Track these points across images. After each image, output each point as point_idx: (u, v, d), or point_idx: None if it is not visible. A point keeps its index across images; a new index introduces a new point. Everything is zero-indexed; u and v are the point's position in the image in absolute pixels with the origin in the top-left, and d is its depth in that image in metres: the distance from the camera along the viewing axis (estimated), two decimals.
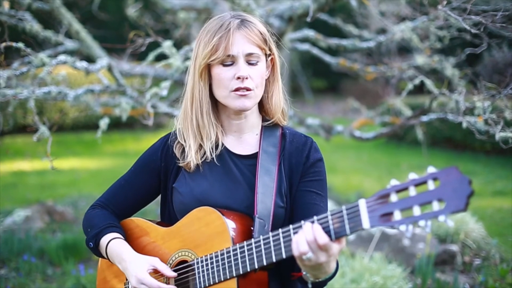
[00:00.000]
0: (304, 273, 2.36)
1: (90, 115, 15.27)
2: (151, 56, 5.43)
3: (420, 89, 6.91)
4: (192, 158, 2.63)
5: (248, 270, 2.39)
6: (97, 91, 5.35)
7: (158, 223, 2.78)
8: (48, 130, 4.86)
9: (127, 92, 5.34)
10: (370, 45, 7.03)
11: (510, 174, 12.25)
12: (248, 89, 2.55)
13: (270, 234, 2.33)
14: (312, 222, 2.20)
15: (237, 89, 2.55)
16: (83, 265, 7.03)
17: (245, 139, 2.72)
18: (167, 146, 2.75)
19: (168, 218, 2.78)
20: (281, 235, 2.30)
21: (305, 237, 2.18)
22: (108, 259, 2.71)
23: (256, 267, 2.36)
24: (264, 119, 2.76)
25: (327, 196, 2.72)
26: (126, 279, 2.75)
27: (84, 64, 4.93)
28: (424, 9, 6.72)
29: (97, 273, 2.93)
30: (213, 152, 2.65)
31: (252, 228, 2.53)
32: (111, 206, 2.84)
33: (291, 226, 2.27)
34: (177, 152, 2.70)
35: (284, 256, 2.29)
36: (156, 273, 2.58)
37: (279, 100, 2.73)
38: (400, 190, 2.04)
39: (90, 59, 6.22)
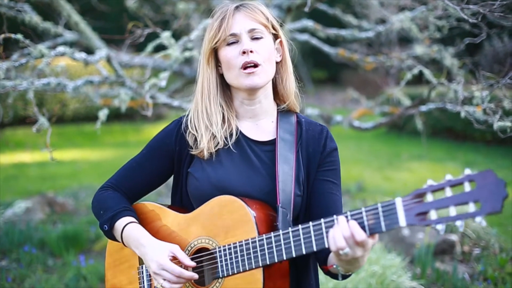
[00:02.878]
0: (334, 266, 2.38)
1: (91, 107, 15.30)
2: (150, 47, 5.42)
3: (419, 79, 6.90)
4: (204, 147, 2.63)
5: (276, 261, 2.39)
6: (96, 82, 5.35)
7: (171, 208, 2.76)
8: (47, 121, 4.87)
9: (126, 83, 5.34)
10: (369, 35, 7.03)
11: (510, 164, 12.25)
12: (255, 65, 2.57)
13: (300, 226, 2.34)
14: (347, 217, 2.23)
15: (244, 66, 2.56)
16: (83, 256, 7.06)
17: (261, 125, 2.73)
18: (182, 131, 2.74)
19: (180, 202, 2.78)
20: (311, 228, 2.31)
21: (342, 233, 2.20)
22: (123, 243, 2.69)
23: (285, 258, 2.37)
24: (278, 106, 2.78)
25: (341, 185, 2.74)
26: (140, 264, 2.74)
27: (83, 55, 4.93)
28: None
29: (106, 256, 2.91)
30: (228, 139, 2.66)
31: (274, 217, 2.54)
32: (123, 188, 2.81)
33: (322, 220, 2.29)
34: (189, 140, 2.70)
35: (315, 249, 2.31)
36: (174, 260, 2.55)
37: (292, 83, 2.77)
38: (436, 190, 2.11)
39: (90, 51, 6.22)
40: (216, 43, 2.61)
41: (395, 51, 8.49)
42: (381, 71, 14.92)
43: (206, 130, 2.65)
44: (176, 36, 6.01)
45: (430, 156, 12.35)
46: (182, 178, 2.76)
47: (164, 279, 2.52)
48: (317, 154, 2.67)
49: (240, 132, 2.70)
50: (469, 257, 6.90)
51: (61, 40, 6.97)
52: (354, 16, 8.26)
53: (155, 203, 2.82)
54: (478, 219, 2.01)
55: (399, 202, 2.14)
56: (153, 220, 2.77)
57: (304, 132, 2.71)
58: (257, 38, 2.60)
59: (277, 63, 2.73)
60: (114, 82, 5.51)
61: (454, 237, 6.93)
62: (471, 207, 2.02)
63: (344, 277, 2.45)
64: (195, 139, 2.69)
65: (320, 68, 27.85)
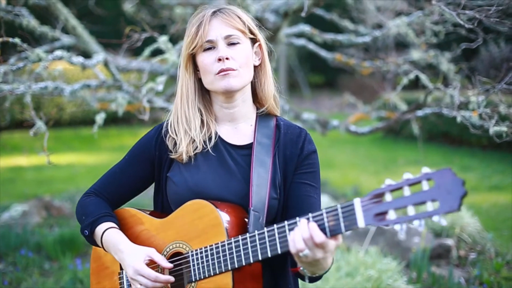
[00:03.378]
0: (301, 268, 2.39)
1: (87, 111, 15.23)
2: (147, 51, 5.44)
3: (416, 84, 6.93)
4: (183, 150, 2.65)
5: (244, 264, 2.40)
6: (93, 86, 5.37)
7: (151, 213, 2.79)
8: (44, 125, 4.88)
9: (123, 87, 5.36)
10: (366, 40, 7.05)
11: (506, 169, 12.29)
12: (231, 69, 2.58)
13: (265, 229, 2.35)
14: (308, 219, 2.23)
15: (220, 72, 2.58)
16: (80, 259, 7.06)
17: (240, 129, 2.74)
18: (161, 137, 2.76)
19: (161, 207, 2.80)
20: (276, 230, 2.32)
21: (302, 235, 2.20)
22: (103, 248, 2.72)
23: (252, 261, 2.38)
24: (257, 109, 2.78)
25: (320, 187, 2.74)
26: (120, 269, 2.77)
27: (80, 59, 4.95)
28: (420, 4, 6.74)
29: (91, 262, 2.94)
30: (207, 143, 2.67)
31: (246, 220, 2.55)
32: (105, 194, 2.84)
33: (286, 222, 2.30)
34: (169, 144, 2.71)
35: (279, 251, 2.31)
36: (151, 263, 2.59)
37: (270, 86, 2.76)
38: (395, 189, 2.08)
39: (87, 55, 6.23)
40: (193, 49, 2.63)
41: (391, 56, 8.52)
42: (377, 76, 14.97)
43: (185, 134, 2.67)
44: (173, 40, 6.03)
45: (426, 161, 12.37)
46: (162, 183, 2.77)
47: (141, 284, 2.55)
48: (294, 157, 2.67)
49: (219, 136, 2.72)
50: (465, 261, 6.92)
51: (58, 44, 6.98)
52: (351, 21, 8.29)
53: (136, 209, 2.84)
54: (436, 218, 1.98)
55: (357, 203, 2.13)
56: (133, 226, 2.79)
57: (282, 135, 2.71)
58: (233, 44, 2.61)
59: (256, 66, 2.74)
60: (111, 86, 5.52)
61: (450, 242, 6.95)
62: (429, 206, 1.99)
63: (312, 279, 2.46)
64: (175, 143, 2.70)
65: (316, 72, 27.90)
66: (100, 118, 5.22)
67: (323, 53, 7.54)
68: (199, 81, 2.71)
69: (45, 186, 11.55)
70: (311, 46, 7.42)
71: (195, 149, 2.67)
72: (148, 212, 2.81)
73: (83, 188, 11.07)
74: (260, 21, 6.38)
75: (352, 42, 7.07)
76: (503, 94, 5.28)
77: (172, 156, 2.70)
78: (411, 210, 2.03)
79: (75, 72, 14.67)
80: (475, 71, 6.38)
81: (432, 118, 7.19)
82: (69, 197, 10.29)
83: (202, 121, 2.70)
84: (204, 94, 2.73)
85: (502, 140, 4.82)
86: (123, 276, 2.77)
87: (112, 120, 15.80)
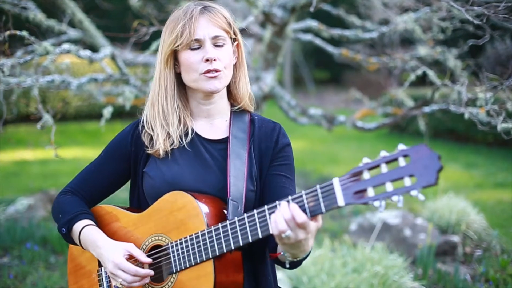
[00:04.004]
0: (282, 253, 2.40)
1: (93, 105, 15.26)
2: (155, 45, 5.44)
3: (422, 80, 6.91)
4: (160, 146, 2.66)
5: (225, 251, 2.42)
6: (100, 80, 5.36)
7: (127, 209, 2.80)
8: (51, 118, 4.88)
9: (130, 81, 5.35)
10: (373, 36, 7.04)
11: (511, 166, 12.27)
12: (217, 71, 2.60)
13: (245, 215, 2.36)
14: (288, 201, 2.24)
15: (207, 72, 2.59)
16: None
17: (215, 124, 2.76)
18: (137, 132, 2.77)
19: (137, 203, 2.81)
20: (256, 215, 2.34)
21: (283, 216, 2.22)
22: (81, 245, 2.72)
23: (233, 248, 2.40)
24: (232, 106, 2.82)
25: (295, 180, 2.77)
26: (99, 266, 2.78)
27: (87, 52, 4.95)
28: (427, 0, 6.71)
29: (68, 261, 2.95)
30: (183, 139, 2.69)
31: (225, 211, 2.57)
32: (81, 192, 2.85)
33: (266, 207, 2.31)
34: (145, 140, 2.72)
35: (260, 236, 2.33)
36: (131, 259, 2.60)
37: (246, 85, 2.79)
38: (372, 167, 2.11)
39: (93, 49, 6.22)
40: (177, 46, 2.62)
41: (397, 52, 8.49)
42: (383, 72, 14.91)
43: (162, 129, 2.68)
44: None
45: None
46: (138, 179, 2.78)
47: (121, 279, 2.57)
48: (269, 150, 2.71)
49: (195, 131, 2.73)
50: (470, 258, 6.91)
51: (65, 38, 6.98)
52: (358, 17, 8.27)
53: (112, 206, 2.85)
54: (414, 192, 1.99)
55: (336, 182, 2.14)
56: (110, 222, 2.80)
57: (257, 129, 2.75)
58: (219, 46, 2.62)
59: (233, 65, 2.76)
60: (118, 80, 5.52)
61: (455, 238, 6.94)
62: (406, 182, 2.01)
63: (292, 265, 2.47)
64: (151, 139, 2.71)
65: (322, 68, 27.89)
66: (107, 112, 5.23)
67: (330, 48, 7.52)
68: (177, 76, 2.71)
69: (50, 180, 11.56)
70: (318, 41, 7.41)
71: (171, 145, 2.68)
72: (125, 208, 2.81)
73: None
74: (268, 16, 6.40)
75: (359, 38, 7.05)
76: (510, 91, 5.27)
77: (148, 152, 2.71)
78: (389, 186, 2.05)
79: (81, 66, 14.67)
80: (481, 68, 6.35)
81: (438, 114, 7.18)
82: None
83: (178, 116, 2.70)
84: (181, 89, 2.73)
85: (510, 137, 4.81)
86: (102, 273, 2.78)
87: (118, 114, 15.77)
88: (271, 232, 2.28)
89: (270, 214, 2.30)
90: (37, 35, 5.44)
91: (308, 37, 7.40)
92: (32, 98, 4.78)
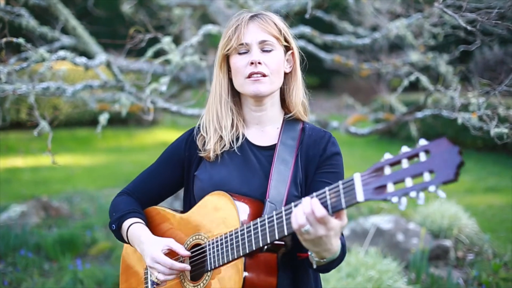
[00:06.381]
0: (309, 253, 2.41)
1: (83, 112, 15.27)
2: (150, 52, 5.46)
3: (412, 86, 6.96)
4: (211, 148, 2.73)
5: (254, 248, 2.43)
6: (95, 86, 5.37)
7: (175, 210, 2.89)
8: (48, 125, 4.89)
9: (125, 88, 5.37)
10: (366, 42, 7.08)
11: (501, 170, 12.35)
12: (262, 74, 2.64)
13: (274, 212, 2.38)
14: (312, 197, 2.24)
15: (251, 75, 2.64)
16: (80, 260, 7.07)
17: (266, 132, 2.80)
18: (192, 137, 2.86)
19: (189, 207, 2.85)
20: (283, 212, 2.34)
21: (303, 210, 2.22)
22: (128, 242, 2.82)
23: (261, 245, 2.41)
24: (285, 114, 2.84)
25: None
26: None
27: (83, 59, 4.95)
28: (419, 6, 6.76)
29: (121, 261, 3.05)
30: (233, 143, 2.75)
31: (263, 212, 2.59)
32: (137, 194, 2.95)
33: (292, 204, 2.31)
34: (199, 143, 2.81)
35: (286, 232, 2.33)
36: (171, 255, 2.66)
37: (299, 94, 2.82)
38: (394, 163, 2.05)
39: (86, 55, 6.22)
40: (228, 50, 2.70)
41: (387, 58, 8.55)
42: (372, 78, 14.99)
43: (215, 132, 2.76)
44: (173, 41, 6.03)
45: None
46: (190, 182, 2.86)
47: (158, 272, 2.63)
48: (316, 157, 2.72)
49: (246, 137, 2.79)
50: (463, 262, 6.95)
51: (57, 45, 6.97)
52: (350, 23, 8.31)
53: (163, 207, 2.95)
54: (432, 188, 1.92)
55: (357, 178, 2.11)
56: (160, 222, 2.89)
57: (306, 137, 2.77)
58: (267, 51, 2.67)
59: (286, 73, 2.79)
60: (113, 87, 5.52)
61: (448, 243, 6.98)
62: (426, 177, 1.94)
63: (321, 267, 2.44)
64: (204, 142, 2.79)
65: (311, 74, 27.92)
66: (104, 118, 5.24)
67: (323, 54, 7.55)
68: (231, 82, 2.77)
69: (42, 186, 11.54)
70: (311, 48, 7.43)
71: (222, 148, 2.75)
72: (173, 210, 2.90)
73: (80, 188, 11.08)
74: None
75: (352, 44, 7.08)
76: (502, 97, 5.31)
77: (200, 155, 2.79)
78: (409, 182, 1.99)
79: (72, 73, 14.66)
80: (473, 73, 6.40)
81: (429, 119, 7.23)
82: (66, 198, 10.29)
83: (232, 120, 2.77)
84: (235, 95, 2.80)
85: (503, 141, 4.85)
86: (147, 271, 2.85)
87: (109, 121, 15.76)
88: (292, 226, 2.28)
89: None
90: (34, 42, 5.45)
91: (301, 43, 7.42)
92: (23, 104, 4.77)
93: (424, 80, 6.12)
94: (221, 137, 2.75)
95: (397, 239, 6.97)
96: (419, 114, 6.34)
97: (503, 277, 6.44)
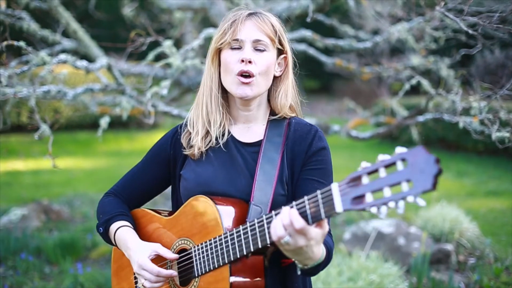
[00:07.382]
0: (293, 259, 2.36)
1: (84, 115, 15.27)
2: (151, 55, 5.45)
3: (413, 89, 6.95)
4: (197, 143, 2.69)
5: (238, 256, 2.41)
6: (96, 90, 5.36)
7: (160, 212, 2.85)
8: (49, 128, 4.89)
9: (126, 91, 5.36)
10: (367, 46, 7.07)
11: (502, 174, 12.34)
12: (250, 75, 2.59)
13: (256, 220, 2.34)
14: (291, 207, 2.19)
15: (240, 73, 2.59)
16: (80, 263, 7.05)
17: (252, 129, 2.76)
18: (177, 135, 2.82)
19: (176, 206, 2.83)
20: (265, 221, 2.31)
21: (282, 221, 2.17)
22: (116, 245, 2.79)
23: (245, 253, 2.38)
24: (272, 113, 2.79)
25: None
26: None
27: (84, 63, 4.95)
28: (420, 10, 6.76)
29: (112, 262, 3.00)
30: (220, 138, 2.70)
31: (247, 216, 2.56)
32: (124, 195, 2.91)
33: (273, 212, 2.27)
34: (184, 141, 2.76)
35: (268, 242, 2.30)
36: (159, 259, 2.64)
37: (286, 97, 2.75)
38: (371, 172, 2.01)
39: (87, 59, 6.23)
40: (221, 44, 2.65)
41: (387, 62, 8.54)
42: (373, 82, 14.99)
43: (203, 127, 2.71)
44: (174, 45, 6.03)
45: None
46: (176, 181, 2.82)
47: (145, 279, 2.60)
48: (302, 153, 2.66)
49: (231, 134, 2.74)
50: (464, 266, 6.94)
51: (58, 48, 6.98)
52: (351, 27, 8.30)
53: (147, 209, 2.91)
54: (411, 198, 1.88)
55: (335, 188, 2.06)
56: (146, 225, 2.86)
57: (292, 133, 2.71)
58: (259, 50, 2.62)
59: (276, 77, 2.74)
60: (114, 90, 5.52)
61: (449, 247, 6.97)
62: (404, 187, 1.90)
63: (304, 272, 2.40)
64: (189, 140, 2.75)
65: (312, 77, 27.92)
66: (104, 122, 5.23)
67: (324, 58, 7.55)
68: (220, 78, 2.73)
69: (42, 190, 11.53)
70: (312, 51, 7.43)
71: (207, 144, 2.71)
72: (159, 212, 2.86)
73: (81, 192, 11.07)
74: None
75: (353, 48, 7.07)
76: (504, 100, 5.31)
77: (185, 153, 2.75)
78: (387, 192, 1.94)
79: (72, 76, 14.67)
80: (474, 77, 6.40)
81: (430, 123, 7.23)
82: (67, 201, 10.28)
83: (222, 116, 2.72)
84: (224, 90, 2.74)
85: (504, 145, 4.85)
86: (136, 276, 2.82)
87: (109, 124, 15.75)
88: (272, 237, 2.24)
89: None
90: (34, 45, 5.44)
91: (302, 47, 7.42)
92: (24, 108, 4.77)
93: (425, 84, 6.11)
94: (207, 132, 2.71)
95: (398, 243, 6.95)
96: (421, 118, 6.33)
97: (504, 281, 6.43)
